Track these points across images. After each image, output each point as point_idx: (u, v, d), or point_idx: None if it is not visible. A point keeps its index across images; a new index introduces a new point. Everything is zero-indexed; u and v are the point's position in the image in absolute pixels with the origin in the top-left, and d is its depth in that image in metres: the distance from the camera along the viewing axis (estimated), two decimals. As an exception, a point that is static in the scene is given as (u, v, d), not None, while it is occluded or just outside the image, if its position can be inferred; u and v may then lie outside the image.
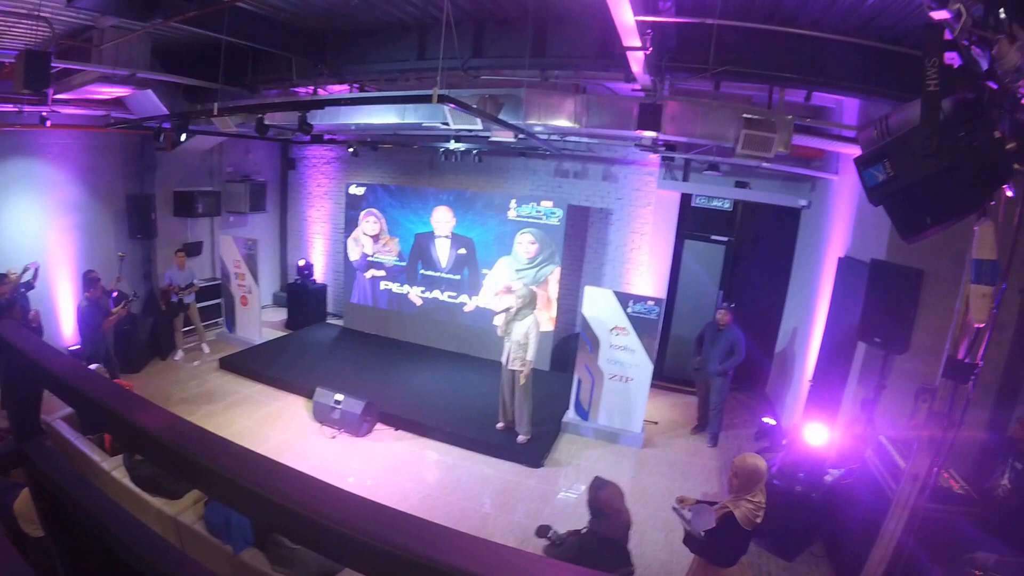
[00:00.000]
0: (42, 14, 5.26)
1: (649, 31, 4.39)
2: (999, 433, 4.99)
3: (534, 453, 7.07)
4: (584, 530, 3.59)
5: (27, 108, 7.12)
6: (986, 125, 2.10)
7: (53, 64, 5.74)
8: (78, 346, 8.58)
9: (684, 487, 6.58)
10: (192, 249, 10.71)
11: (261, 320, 10.68)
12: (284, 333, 11.31)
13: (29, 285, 7.72)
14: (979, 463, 4.82)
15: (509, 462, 7.00)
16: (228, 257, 10.35)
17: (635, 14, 3.77)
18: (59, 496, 1.47)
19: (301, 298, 11.85)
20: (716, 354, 7.58)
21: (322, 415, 7.53)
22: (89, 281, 7.80)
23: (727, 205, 9.70)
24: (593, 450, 7.45)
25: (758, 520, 3.68)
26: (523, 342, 6.90)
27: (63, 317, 9.00)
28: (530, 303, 7.02)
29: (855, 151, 6.49)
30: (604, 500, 3.51)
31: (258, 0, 5.55)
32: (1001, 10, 1.96)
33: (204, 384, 8.82)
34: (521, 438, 7.21)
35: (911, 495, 3.12)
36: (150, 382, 8.56)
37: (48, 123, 7.41)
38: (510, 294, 7.23)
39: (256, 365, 9.26)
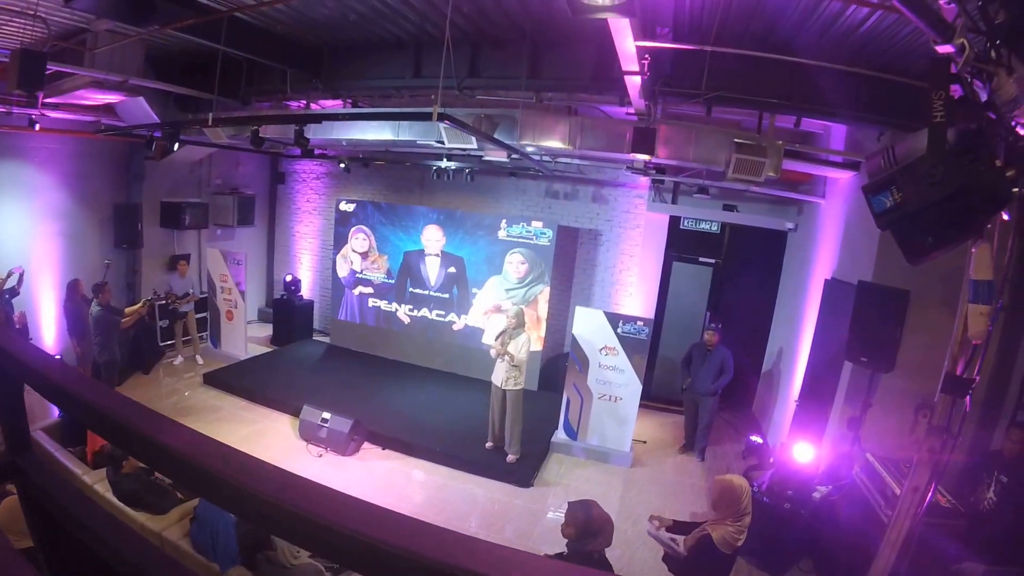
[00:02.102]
0: (38, 13, 5.21)
1: (647, 56, 4.49)
2: (984, 448, 5.08)
3: (523, 473, 7.04)
4: (566, 553, 3.48)
5: (16, 110, 7.05)
6: (988, 153, 2.17)
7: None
8: (59, 355, 8.47)
9: (673, 506, 6.59)
10: (178, 262, 10.62)
11: (247, 335, 10.57)
12: (269, 349, 11.18)
13: (14, 291, 7.61)
14: (965, 477, 4.90)
15: (498, 482, 6.95)
16: (214, 271, 10.26)
17: (635, 40, 3.84)
18: (54, 509, 1.45)
19: (287, 314, 11.73)
20: (707, 374, 7.66)
21: (308, 433, 7.43)
22: (97, 287, 7.72)
23: (715, 228, 9.84)
24: (582, 470, 7.44)
25: (738, 543, 3.67)
26: (516, 361, 6.92)
27: (44, 324, 8.88)
28: (522, 322, 7.06)
29: (842, 175, 6.69)
30: (598, 518, 3.44)
31: (256, 11, 5.55)
32: (1000, 44, 2.05)
33: (187, 399, 8.69)
34: (511, 457, 7.18)
35: (911, 507, 3.17)
36: (132, 396, 8.37)
37: (37, 127, 7.35)
38: (500, 314, 7.24)
39: (241, 381, 9.15)
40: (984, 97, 2.16)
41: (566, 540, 3.53)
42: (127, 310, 8.07)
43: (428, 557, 0.80)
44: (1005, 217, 2.36)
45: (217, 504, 1.13)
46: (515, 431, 7.14)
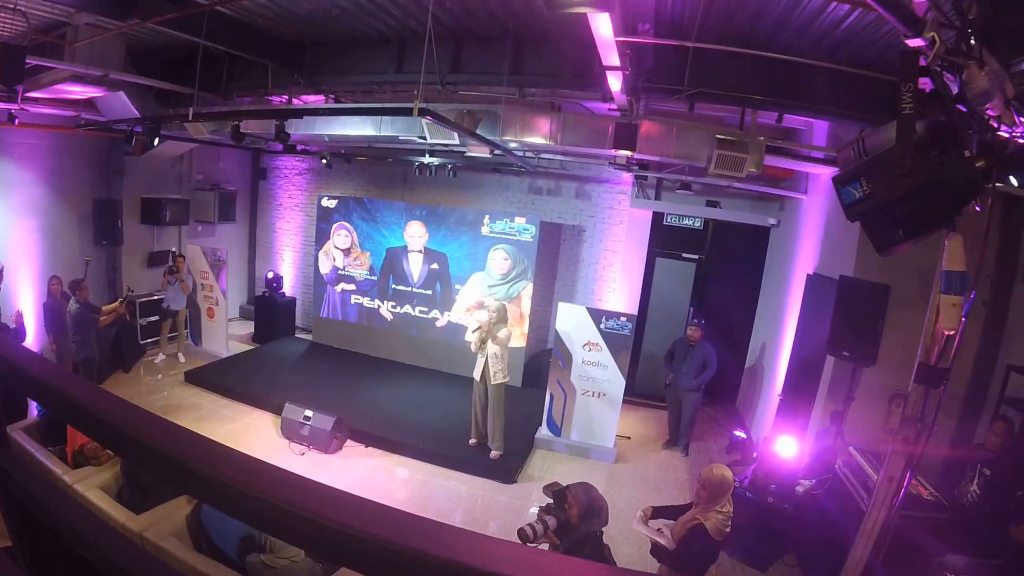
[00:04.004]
0: (17, 7, 5.13)
1: (628, 52, 4.49)
2: (966, 441, 5.15)
3: (507, 469, 7.03)
4: (575, 530, 3.57)
5: (-4, 104, 6.95)
6: (957, 146, 2.20)
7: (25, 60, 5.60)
8: (37, 353, 8.35)
9: (657, 501, 6.58)
10: (158, 259, 10.51)
11: (228, 333, 10.48)
12: (251, 347, 11.10)
13: None
14: (948, 471, 4.96)
15: (481, 478, 6.95)
16: (195, 268, 10.16)
17: (616, 35, 3.84)
18: (32, 505, 1.42)
19: (269, 311, 11.62)
20: (689, 369, 7.71)
21: (290, 431, 7.38)
22: (74, 284, 7.64)
23: (698, 223, 9.91)
24: (566, 465, 7.44)
25: (727, 529, 3.75)
26: (499, 354, 6.92)
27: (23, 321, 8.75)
28: (503, 317, 7.06)
29: (824, 171, 6.74)
30: (597, 498, 3.57)
31: (237, 5, 5.50)
32: (971, 38, 2.07)
33: (169, 398, 8.60)
34: (494, 453, 7.17)
35: (886, 497, 3.21)
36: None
37: (16, 121, 7.23)
38: (482, 310, 7.23)
39: (222, 379, 9.05)
40: (955, 90, 2.18)
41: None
42: (104, 308, 7.98)
43: (427, 552, 0.80)
44: (977, 208, 2.39)
45: (200, 499, 1.12)
46: (497, 426, 7.13)
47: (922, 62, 2.20)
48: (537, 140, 6.51)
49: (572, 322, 7.71)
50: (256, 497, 0.93)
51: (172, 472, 1.07)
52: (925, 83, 2.27)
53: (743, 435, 7.90)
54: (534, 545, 3.38)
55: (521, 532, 3.39)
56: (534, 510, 6.29)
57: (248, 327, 12.02)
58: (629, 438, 8.28)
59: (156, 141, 7.06)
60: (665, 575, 4.06)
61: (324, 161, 10.40)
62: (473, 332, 7.00)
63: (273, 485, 0.95)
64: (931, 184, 2.19)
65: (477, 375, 7.12)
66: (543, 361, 9.22)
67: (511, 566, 0.79)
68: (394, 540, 0.81)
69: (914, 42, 2.16)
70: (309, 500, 0.90)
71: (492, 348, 6.92)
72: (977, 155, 2.26)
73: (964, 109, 2.24)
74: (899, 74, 2.19)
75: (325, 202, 11.04)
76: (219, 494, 1.01)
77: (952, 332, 2.67)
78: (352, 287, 11.00)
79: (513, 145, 7.00)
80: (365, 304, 10.95)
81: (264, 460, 1.02)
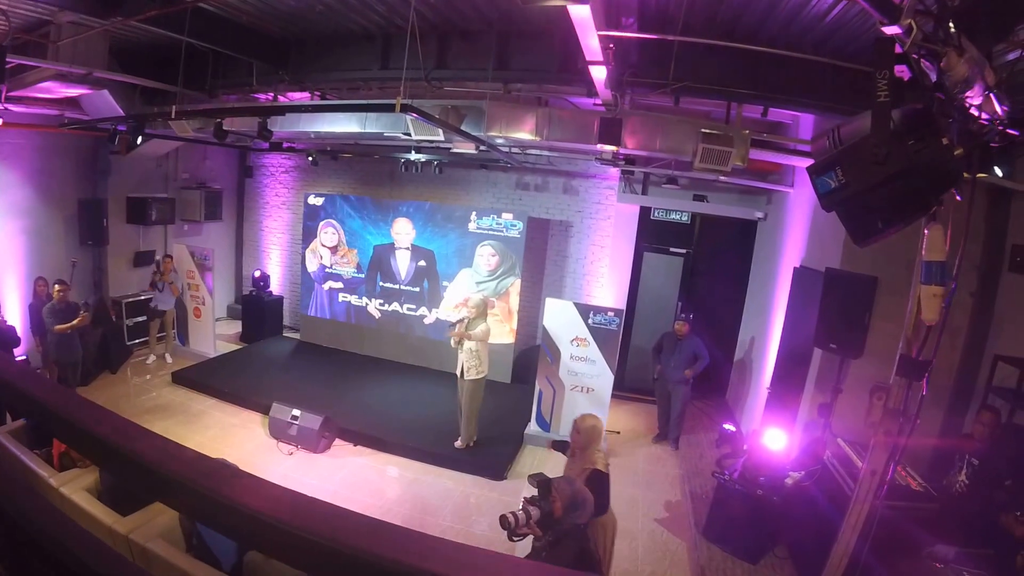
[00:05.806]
0: (-1, 6, 5.10)
1: (611, 46, 4.47)
2: (955, 432, 5.17)
3: (496, 465, 7.03)
4: (558, 523, 3.56)
5: (-22, 105, 6.86)
6: (934, 133, 2.19)
7: (7, 59, 5.54)
8: (24, 356, 8.28)
9: (648, 496, 6.65)
10: (144, 258, 10.43)
11: (215, 333, 10.41)
12: (239, 346, 11.04)
13: None
14: (936, 461, 4.98)
15: (471, 475, 6.93)
16: (181, 267, 10.08)
17: (598, 29, 3.82)
18: (11, 510, 1.40)
19: (256, 310, 11.55)
20: (678, 363, 7.72)
21: (278, 431, 7.34)
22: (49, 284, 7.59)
23: (685, 218, 9.92)
24: (556, 461, 7.37)
25: (609, 462, 4.36)
26: (474, 350, 6.93)
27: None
28: (483, 312, 7.07)
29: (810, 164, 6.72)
30: (580, 491, 3.58)
31: (221, 2, 5.48)
32: (951, 24, 2.06)
33: (156, 399, 8.53)
34: (459, 443, 7.21)
35: (869, 490, 3.21)
36: (100, 396, 8.23)
37: (0, 121, 7.15)
38: (466, 306, 7.25)
39: (210, 379, 8.99)
40: (934, 78, 2.17)
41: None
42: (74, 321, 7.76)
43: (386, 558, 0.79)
44: (957, 198, 2.38)
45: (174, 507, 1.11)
46: (466, 418, 7.17)
47: (899, 49, 2.20)
48: (522, 136, 6.49)
49: (560, 318, 7.71)
50: (234, 508, 0.91)
51: (143, 480, 1.05)
52: (903, 71, 2.27)
53: (733, 428, 7.93)
54: (518, 539, 3.39)
55: (503, 519, 3.41)
56: (520, 507, 6.31)
57: (235, 326, 11.96)
58: (619, 432, 8.29)
59: (140, 140, 7.00)
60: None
61: (310, 159, 10.36)
62: (453, 325, 7.03)
63: (255, 496, 0.93)
64: (907, 172, 2.18)
65: (459, 371, 7.12)
66: (532, 357, 9.20)
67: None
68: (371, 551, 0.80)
69: (890, 29, 2.16)
70: (289, 513, 0.88)
71: (468, 344, 6.93)
72: (956, 143, 2.26)
73: (943, 97, 2.24)
74: (873, 61, 2.18)
75: (312, 199, 10.99)
76: (192, 503, 0.99)
77: (933, 323, 2.66)
78: (340, 285, 10.96)
79: (499, 141, 6.99)
80: (353, 302, 10.91)
81: (241, 463, 1.01)
